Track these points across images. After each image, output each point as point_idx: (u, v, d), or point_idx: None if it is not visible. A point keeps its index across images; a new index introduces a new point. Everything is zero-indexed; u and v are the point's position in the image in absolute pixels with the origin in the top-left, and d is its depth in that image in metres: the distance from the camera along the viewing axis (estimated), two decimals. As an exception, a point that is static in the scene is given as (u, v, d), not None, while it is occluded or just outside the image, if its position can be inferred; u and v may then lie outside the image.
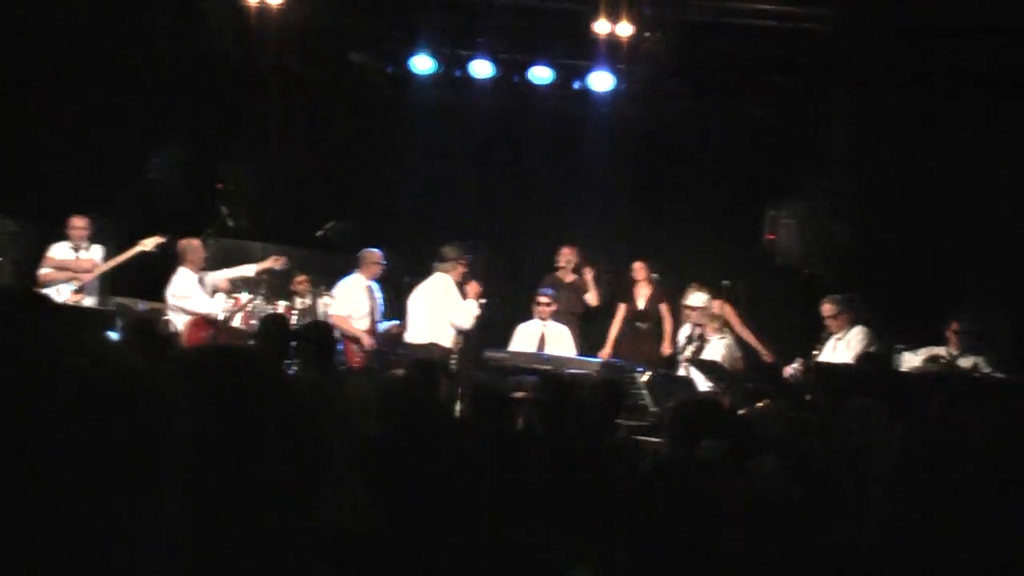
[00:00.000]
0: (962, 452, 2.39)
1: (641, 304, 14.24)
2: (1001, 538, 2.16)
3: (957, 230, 13.24)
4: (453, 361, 12.63)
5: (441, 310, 12.66)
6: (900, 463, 2.55)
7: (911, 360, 11.91)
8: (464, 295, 12.87)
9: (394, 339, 13.16)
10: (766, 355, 13.44)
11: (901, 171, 13.28)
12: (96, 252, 12.77)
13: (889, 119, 12.95)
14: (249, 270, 13.12)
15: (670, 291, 14.31)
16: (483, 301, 13.03)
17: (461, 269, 12.97)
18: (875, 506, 2.49)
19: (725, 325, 13.28)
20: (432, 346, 12.48)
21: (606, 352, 14.04)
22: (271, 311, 12.70)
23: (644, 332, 14.14)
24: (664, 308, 14.21)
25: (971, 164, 13.17)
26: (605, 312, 14.89)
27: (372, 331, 12.95)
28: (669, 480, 6.05)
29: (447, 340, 12.66)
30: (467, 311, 12.74)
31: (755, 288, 14.09)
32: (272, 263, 13.15)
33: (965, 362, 11.65)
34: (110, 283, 13.23)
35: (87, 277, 12.57)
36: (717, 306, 13.65)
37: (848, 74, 12.38)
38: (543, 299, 13.41)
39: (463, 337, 13.04)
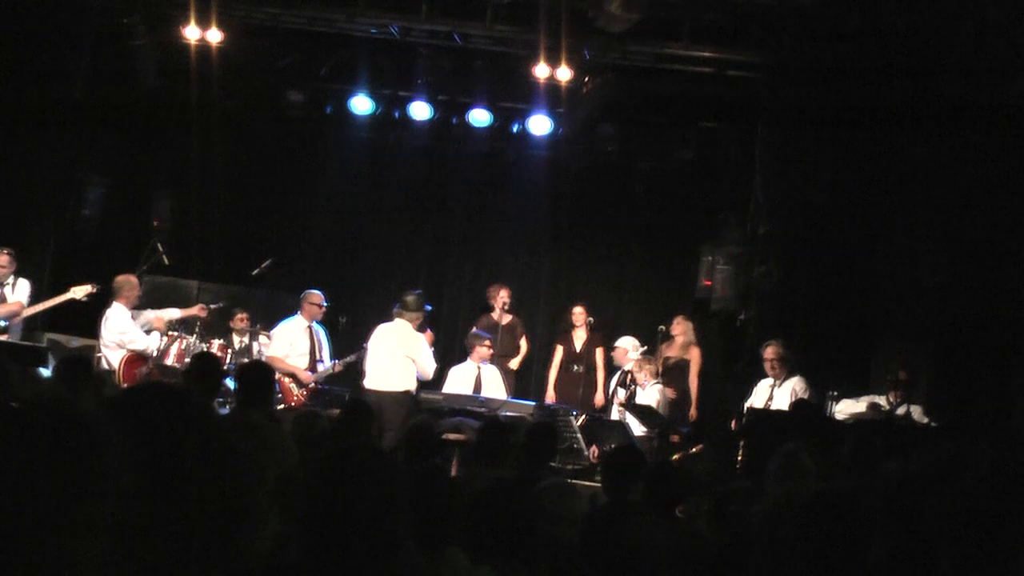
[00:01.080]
0: (869, 496, 2.49)
1: (578, 347, 14.33)
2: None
3: (877, 271, 13.47)
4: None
5: (407, 356, 12.51)
6: (811, 507, 2.64)
7: (851, 407, 12.04)
8: None
9: (333, 378, 13.18)
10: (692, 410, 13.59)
11: (819, 214, 13.49)
12: (22, 287, 12.53)
13: (807, 162, 13.19)
14: (175, 313, 13.09)
15: (605, 336, 14.43)
16: (432, 350, 12.99)
17: (419, 320, 12.81)
18: (788, 551, 2.58)
19: (659, 373, 13.34)
20: (405, 395, 12.37)
21: (550, 396, 14.10)
22: (205, 349, 12.70)
23: (578, 375, 14.21)
24: (599, 353, 14.31)
25: (888, 205, 13.41)
26: (541, 354, 15.06)
27: (311, 371, 12.93)
28: (601, 525, 6.15)
29: (412, 384, 12.53)
30: (432, 362, 12.67)
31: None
32: (197, 311, 13.16)
33: (901, 410, 11.82)
34: (41, 319, 13.13)
35: (15, 320, 12.43)
36: (691, 352, 13.84)
37: (768, 118, 12.58)
38: (487, 342, 13.40)
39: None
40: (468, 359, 13.42)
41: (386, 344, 12.50)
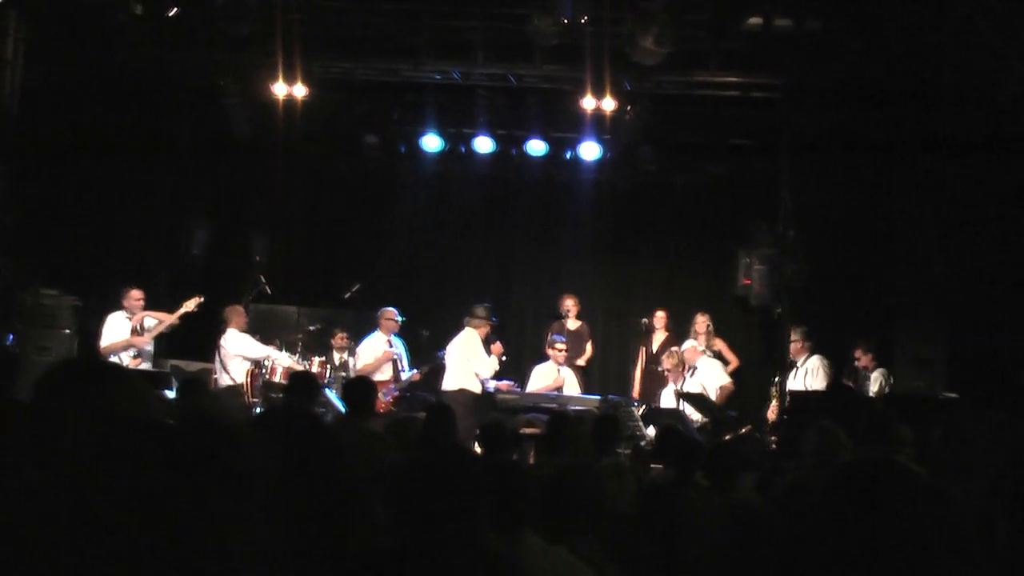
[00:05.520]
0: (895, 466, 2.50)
1: (655, 348, 14.30)
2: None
3: (894, 262, 13.65)
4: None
5: (467, 360, 12.87)
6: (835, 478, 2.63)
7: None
8: (488, 352, 13.05)
9: (416, 384, 13.39)
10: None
11: (840, 217, 13.71)
12: (148, 321, 12.94)
13: (827, 170, 13.40)
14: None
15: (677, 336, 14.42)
16: (504, 358, 13.23)
17: (487, 328, 13.12)
18: (820, 523, 2.57)
19: (681, 362, 13.35)
20: (460, 392, 12.71)
21: (636, 392, 14.14)
22: (305, 366, 12.88)
23: (659, 373, 13.92)
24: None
25: (898, 212, 13.61)
26: (621, 355, 15.22)
27: (395, 379, 13.15)
28: (660, 499, 6.21)
29: (475, 386, 12.85)
30: (488, 363, 12.92)
31: (724, 324, 14.30)
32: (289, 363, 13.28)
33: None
34: (164, 347, 13.40)
35: (145, 344, 12.75)
36: (716, 343, 13.88)
37: (791, 136, 12.69)
38: (560, 345, 13.57)
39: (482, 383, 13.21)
40: (550, 360, 13.66)
41: (451, 350, 13.09)
